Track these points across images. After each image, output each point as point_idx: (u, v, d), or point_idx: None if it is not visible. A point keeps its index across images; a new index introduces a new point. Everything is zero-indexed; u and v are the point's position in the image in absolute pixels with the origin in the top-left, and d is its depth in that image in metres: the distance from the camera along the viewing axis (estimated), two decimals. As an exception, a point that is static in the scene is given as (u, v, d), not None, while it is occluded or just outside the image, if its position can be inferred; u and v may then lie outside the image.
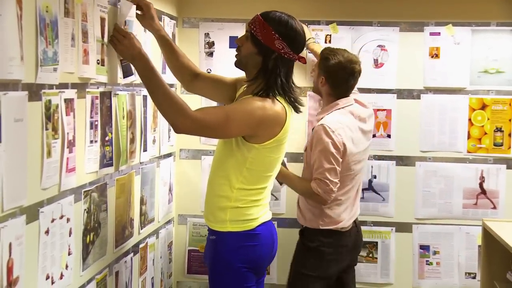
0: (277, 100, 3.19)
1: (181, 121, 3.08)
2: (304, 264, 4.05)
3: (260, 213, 3.29)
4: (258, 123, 3.12)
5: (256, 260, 3.28)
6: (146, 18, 3.49)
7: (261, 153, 3.19)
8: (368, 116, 4.17)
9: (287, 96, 3.22)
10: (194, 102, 4.84)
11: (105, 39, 3.26)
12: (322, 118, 4.03)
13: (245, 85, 3.36)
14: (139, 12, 3.51)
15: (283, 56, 3.20)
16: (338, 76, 4.04)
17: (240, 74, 3.44)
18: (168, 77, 4.48)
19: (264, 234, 3.29)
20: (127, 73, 3.47)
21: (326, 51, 4.12)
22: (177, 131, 3.15)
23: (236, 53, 3.32)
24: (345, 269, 4.20)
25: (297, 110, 3.27)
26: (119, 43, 3.22)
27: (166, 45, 3.61)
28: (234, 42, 4.82)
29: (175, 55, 3.63)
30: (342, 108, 4.05)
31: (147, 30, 3.81)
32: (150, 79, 3.13)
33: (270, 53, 3.20)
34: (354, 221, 4.16)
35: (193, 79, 3.66)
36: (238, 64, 3.32)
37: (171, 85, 4.57)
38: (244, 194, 3.23)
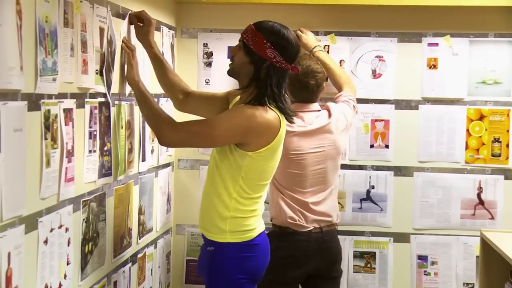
0: (270, 108, 3.20)
1: (165, 131, 3.15)
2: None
3: (257, 224, 3.30)
4: (245, 131, 3.13)
5: (255, 270, 3.29)
6: (144, 33, 3.51)
7: (255, 161, 3.19)
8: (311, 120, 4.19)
9: (278, 105, 3.22)
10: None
11: (104, 49, 3.27)
12: None
13: (237, 96, 3.38)
14: (140, 24, 3.53)
15: (275, 65, 3.21)
16: (294, 87, 4.04)
17: (234, 84, 3.47)
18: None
19: (262, 244, 3.31)
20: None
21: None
22: (161, 142, 3.24)
23: (230, 62, 3.34)
24: (317, 278, 4.17)
25: (288, 119, 3.28)
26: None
27: (159, 62, 3.64)
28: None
29: (167, 73, 3.65)
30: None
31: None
32: (139, 90, 3.35)
33: (262, 62, 3.21)
34: (321, 227, 4.12)
35: (185, 98, 3.68)
36: (231, 73, 3.35)
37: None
38: (242, 204, 3.23)
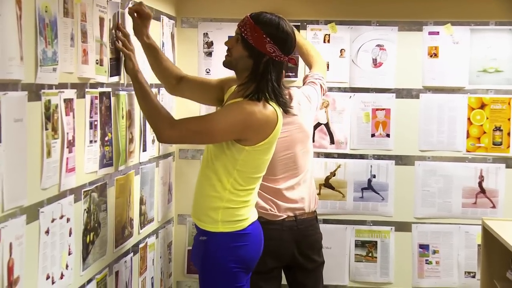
0: (268, 103, 3.19)
1: (163, 128, 3.16)
2: None
3: (250, 213, 3.31)
4: (244, 127, 3.13)
5: (247, 259, 3.30)
6: (141, 26, 3.49)
7: (251, 155, 3.19)
8: None
9: (278, 99, 3.22)
10: (192, 108, 4.86)
11: (104, 39, 3.26)
12: None
13: (234, 86, 3.36)
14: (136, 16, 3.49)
15: (274, 59, 3.20)
16: None
17: (229, 73, 3.45)
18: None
19: (254, 233, 3.32)
20: (113, 73, 3.44)
21: None
22: (160, 139, 3.26)
23: (227, 53, 3.32)
24: (297, 268, 4.12)
25: (287, 112, 3.29)
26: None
27: (152, 50, 3.60)
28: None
29: (160, 59, 3.62)
30: None
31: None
32: (139, 87, 3.33)
33: (261, 57, 3.20)
34: (295, 216, 4.04)
35: (177, 83, 3.65)
36: (227, 65, 3.33)
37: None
38: (235, 195, 3.23)
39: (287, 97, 3.33)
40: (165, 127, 3.17)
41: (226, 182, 3.21)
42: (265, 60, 3.20)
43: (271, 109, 3.19)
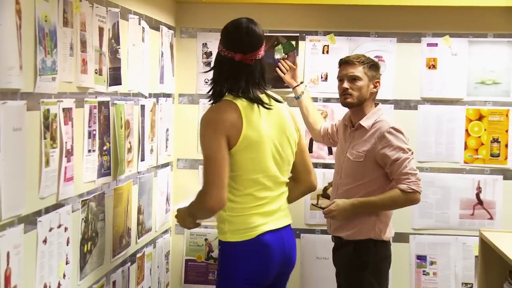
0: (226, 99, 3.12)
1: (208, 203, 3.07)
2: None
3: (262, 221, 3.16)
4: (213, 134, 3.05)
5: (257, 272, 3.15)
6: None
7: (236, 156, 3.09)
8: None
9: (244, 95, 3.12)
10: (193, 111, 4.87)
11: (103, 49, 3.27)
12: (377, 122, 3.89)
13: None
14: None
15: (221, 55, 3.19)
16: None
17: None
18: (166, 86, 4.50)
19: (265, 243, 3.15)
20: (112, 82, 3.43)
21: (367, 58, 3.99)
22: (216, 207, 3.09)
23: None
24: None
25: (258, 103, 3.13)
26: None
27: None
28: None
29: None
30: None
31: (145, 40, 3.84)
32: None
33: (216, 56, 3.24)
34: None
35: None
36: None
37: (168, 95, 4.59)
38: (235, 202, 3.14)
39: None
40: (207, 200, 3.08)
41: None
42: (217, 58, 3.21)
43: (232, 104, 3.09)
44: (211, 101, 3.19)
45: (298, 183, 3.37)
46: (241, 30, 3.17)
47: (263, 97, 3.18)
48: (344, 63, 3.94)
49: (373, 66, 3.94)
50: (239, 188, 3.14)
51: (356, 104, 3.89)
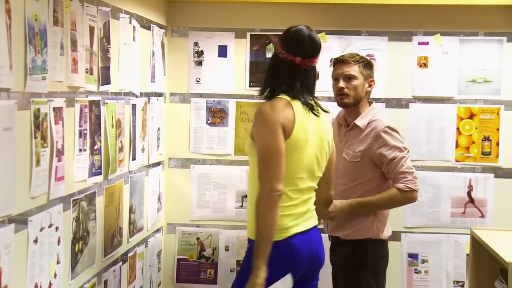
0: (282, 98, 3.14)
1: (266, 196, 3.03)
2: None
3: (293, 223, 3.15)
4: (269, 126, 3.06)
5: (281, 273, 3.12)
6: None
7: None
8: None
9: (297, 97, 3.15)
10: (185, 110, 4.87)
11: (94, 48, 3.27)
12: (372, 121, 3.87)
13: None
14: None
15: (279, 56, 3.21)
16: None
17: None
18: (157, 85, 4.50)
19: (294, 246, 3.14)
20: (103, 81, 3.43)
21: (362, 57, 3.96)
22: (274, 197, 3.05)
23: None
24: None
25: (309, 108, 3.17)
26: None
27: None
28: (222, 51, 4.86)
29: None
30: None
31: (136, 39, 3.84)
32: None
33: (273, 56, 3.27)
34: None
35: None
36: None
37: (160, 94, 4.58)
38: None
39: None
40: (265, 195, 3.04)
41: (257, 185, 3.10)
42: (274, 59, 3.24)
43: (287, 102, 3.12)
44: (264, 99, 3.20)
45: (317, 193, 3.35)
46: (304, 36, 3.23)
47: (313, 103, 3.21)
48: (339, 62, 3.92)
49: (368, 65, 3.93)
50: None
51: (352, 104, 3.88)
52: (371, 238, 3.86)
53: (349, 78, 3.86)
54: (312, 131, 3.17)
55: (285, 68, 3.20)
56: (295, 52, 3.19)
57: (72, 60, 3.00)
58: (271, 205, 3.04)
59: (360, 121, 3.88)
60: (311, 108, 3.18)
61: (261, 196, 3.04)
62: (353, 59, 3.88)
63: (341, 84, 3.86)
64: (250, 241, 3.19)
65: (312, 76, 3.25)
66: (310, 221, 3.24)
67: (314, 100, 3.23)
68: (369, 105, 3.95)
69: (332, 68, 3.98)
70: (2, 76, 2.37)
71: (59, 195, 2.89)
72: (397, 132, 3.84)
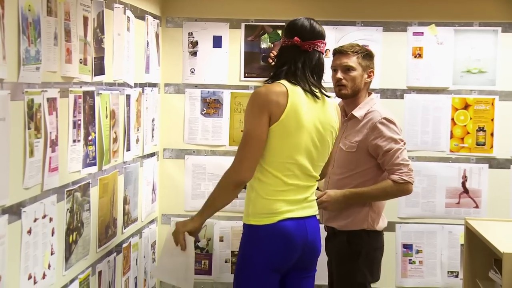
0: (279, 82, 3.16)
1: (232, 179, 3.13)
2: None
3: (286, 208, 3.16)
4: (255, 106, 3.10)
5: (275, 258, 3.16)
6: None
7: (271, 137, 3.12)
8: None
9: (299, 83, 3.17)
10: (179, 100, 4.86)
11: (88, 38, 3.26)
12: (370, 112, 3.85)
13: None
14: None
15: (282, 46, 3.26)
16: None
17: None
18: (151, 76, 4.48)
19: (283, 230, 3.14)
20: (97, 72, 3.41)
21: (361, 47, 3.94)
22: (239, 183, 3.14)
23: None
24: None
25: (308, 92, 3.18)
26: None
27: None
28: (217, 41, 4.85)
29: None
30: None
31: (130, 29, 3.83)
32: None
33: (279, 49, 3.30)
34: None
35: None
36: None
37: (154, 85, 4.57)
38: (263, 183, 3.15)
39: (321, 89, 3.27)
40: (236, 172, 3.12)
41: (257, 170, 3.15)
42: (279, 50, 3.28)
43: (282, 87, 3.13)
44: (265, 82, 3.23)
45: None
46: (302, 21, 3.26)
47: (315, 90, 3.21)
48: (338, 53, 3.92)
49: (367, 55, 3.91)
50: (269, 169, 3.14)
51: (350, 95, 3.87)
52: (366, 229, 3.86)
53: (347, 69, 3.85)
54: (310, 117, 3.15)
55: (286, 53, 3.22)
56: (293, 34, 3.22)
57: (66, 50, 2.98)
58: (227, 184, 3.15)
59: (358, 112, 3.87)
60: (310, 92, 3.18)
61: (227, 172, 3.14)
62: (352, 50, 3.88)
63: (339, 75, 3.86)
64: (245, 226, 3.21)
65: (315, 60, 3.24)
66: (307, 209, 3.25)
67: (319, 88, 3.23)
68: (368, 96, 3.94)
69: (331, 59, 3.98)
70: (-5, 66, 2.37)
71: (53, 186, 2.88)
72: (394, 123, 3.84)
